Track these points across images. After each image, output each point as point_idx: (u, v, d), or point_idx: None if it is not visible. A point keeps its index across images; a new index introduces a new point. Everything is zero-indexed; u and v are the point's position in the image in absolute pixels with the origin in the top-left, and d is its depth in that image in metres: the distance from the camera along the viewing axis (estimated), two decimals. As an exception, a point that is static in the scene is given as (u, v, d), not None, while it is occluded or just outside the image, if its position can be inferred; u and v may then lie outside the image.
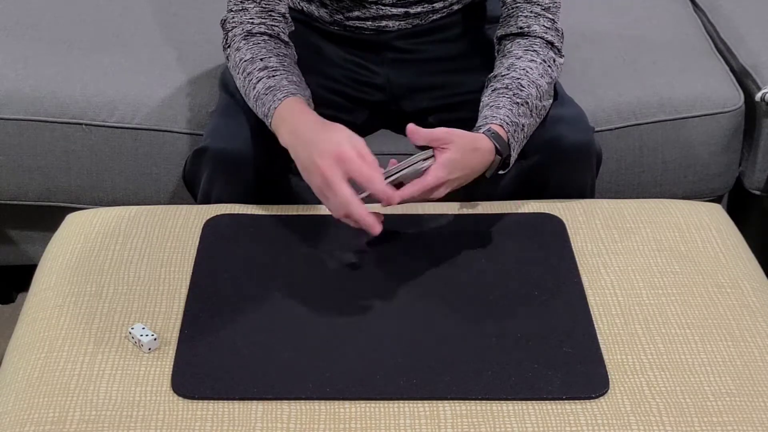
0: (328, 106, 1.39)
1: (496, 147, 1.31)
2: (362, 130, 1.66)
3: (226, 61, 1.48)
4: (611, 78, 1.78)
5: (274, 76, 1.38)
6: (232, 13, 1.46)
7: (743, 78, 1.82)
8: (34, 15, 1.93)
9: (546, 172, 1.38)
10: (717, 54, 1.89)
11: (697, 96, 1.75)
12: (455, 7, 1.58)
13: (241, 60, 1.41)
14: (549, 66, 1.44)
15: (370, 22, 1.55)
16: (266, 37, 1.44)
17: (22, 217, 1.85)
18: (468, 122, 1.55)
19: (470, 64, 1.59)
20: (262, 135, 1.40)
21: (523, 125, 1.36)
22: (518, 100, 1.37)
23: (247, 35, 1.43)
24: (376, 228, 1.22)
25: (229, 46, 1.45)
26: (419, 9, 1.54)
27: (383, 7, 1.53)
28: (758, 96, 1.77)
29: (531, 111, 1.38)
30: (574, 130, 1.43)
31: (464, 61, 1.60)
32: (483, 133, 1.32)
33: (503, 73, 1.41)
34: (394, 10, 1.53)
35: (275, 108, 1.34)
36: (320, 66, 1.53)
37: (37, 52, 1.82)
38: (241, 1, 1.45)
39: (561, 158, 1.37)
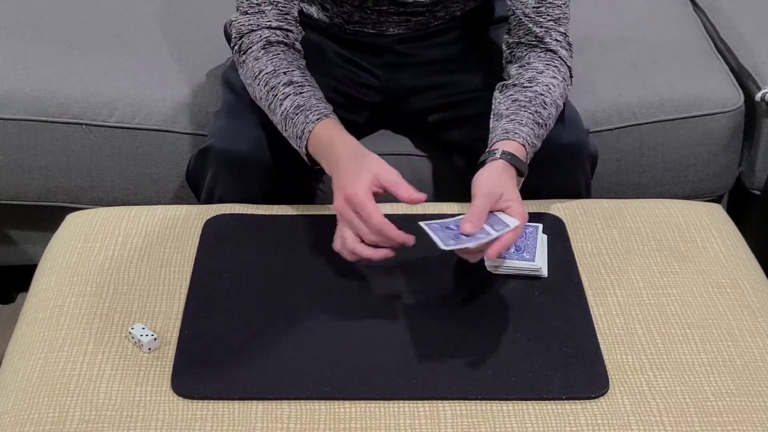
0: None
1: (513, 164, 1.30)
2: (363, 129, 1.66)
3: (239, 66, 1.44)
4: (611, 78, 1.78)
5: (301, 93, 1.36)
6: (248, 16, 1.42)
7: (743, 78, 1.82)
8: (34, 15, 1.93)
9: (539, 172, 1.38)
10: (717, 54, 1.89)
11: (697, 96, 1.75)
12: (457, 13, 1.57)
13: (261, 72, 1.39)
14: (568, 85, 1.44)
15: (370, 27, 1.55)
16: (284, 47, 1.42)
17: (22, 217, 1.85)
18: (466, 120, 1.56)
19: (469, 64, 1.59)
20: (267, 135, 1.40)
21: (536, 146, 1.36)
22: (540, 121, 1.36)
23: (266, 45, 1.40)
24: (408, 238, 1.21)
25: (244, 53, 1.42)
26: (421, 18, 1.54)
27: (384, 15, 1.52)
28: (758, 96, 1.77)
29: (546, 133, 1.38)
30: (568, 131, 1.43)
31: (464, 61, 1.59)
32: (500, 158, 1.29)
33: (525, 85, 1.39)
34: (395, 18, 1.53)
35: (310, 131, 1.32)
36: (321, 65, 1.53)
37: (37, 52, 1.82)
38: (257, 4, 1.42)
39: (554, 158, 1.37)
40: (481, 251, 1.20)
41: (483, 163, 1.30)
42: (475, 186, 1.26)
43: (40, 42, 1.85)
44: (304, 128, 1.32)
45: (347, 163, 1.26)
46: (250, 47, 1.41)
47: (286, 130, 1.36)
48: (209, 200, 1.47)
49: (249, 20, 1.42)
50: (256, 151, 1.41)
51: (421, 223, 1.23)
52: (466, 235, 1.19)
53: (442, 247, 1.17)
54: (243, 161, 1.42)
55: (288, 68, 1.38)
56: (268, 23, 1.42)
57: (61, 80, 1.75)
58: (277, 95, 1.36)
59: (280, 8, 1.43)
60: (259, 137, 1.41)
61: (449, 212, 1.40)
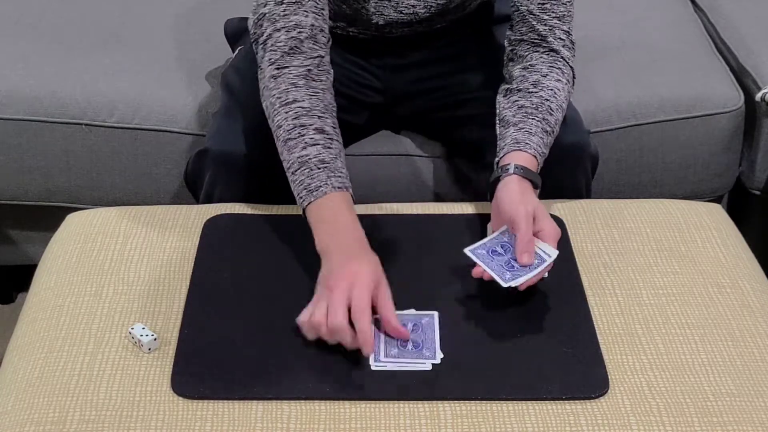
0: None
1: (527, 178, 1.30)
2: (363, 130, 1.66)
3: (269, 77, 1.32)
4: (611, 78, 1.78)
5: (329, 148, 1.27)
6: (284, 5, 1.32)
7: (743, 78, 1.82)
8: (34, 15, 1.93)
9: (541, 172, 1.38)
10: (717, 54, 1.89)
11: (697, 96, 1.75)
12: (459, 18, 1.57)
13: (295, 101, 1.29)
14: (572, 87, 1.43)
15: (374, 30, 1.54)
16: (324, 83, 1.32)
17: (22, 217, 1.85)
18: (467, 120, 1.56)
19: (471, 63, 1.59)
20: (264, 136, 1.39)
21: (545, 155, 1.35)
22: (548, 129, 1.35)
23: (307, 74, 1.31)
24: (369, 347, 1.14)
25: (280, 68, 1.31)
26: (424, 26, 1.53)
27: (387, 25, 1.51)
28: (758, 96, 1.77)
29: (552, 140, 1.37)
30: (569, 132, 1.43)
31: (465, 60, 1.59)
32: (515, 173, 1.29)
33: (530, 89, 1.38)
34: (398, 24, 1.52)
35: (325, 193, 1.23)
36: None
37: (37, 52, 1.82)
38: None
39: (555, 159, 1.37)
40: None
41: (497, 179, 1.30)
42: (505, 210, 1.26)
43: (40, 42, 1.85)
44: (320, 186, 1.24)
45: (355, 250, 1.20)
46: (289, 65, 1.31)
47: (295, 174, 1.27)
48: (208, 202, 1.46)
49: (285, 10, 1.32)
50: (253, 152, 1.41)
51: (467, 251, 1.24)
52: (521, 264, 1.21)
53: (504, 285, 1.19)
54: (241, 163, 1.41)
55: (323, 113, 1.29)
56: (305, 14, 1.32)
57: (61, 80, 1.75)
58: (303, 136, 1.27)
59: (317, 0, 1.34)
60: (257, 139, 1.41)
61: (449, 212, 1.40)
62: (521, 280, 1.19)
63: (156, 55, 1.83)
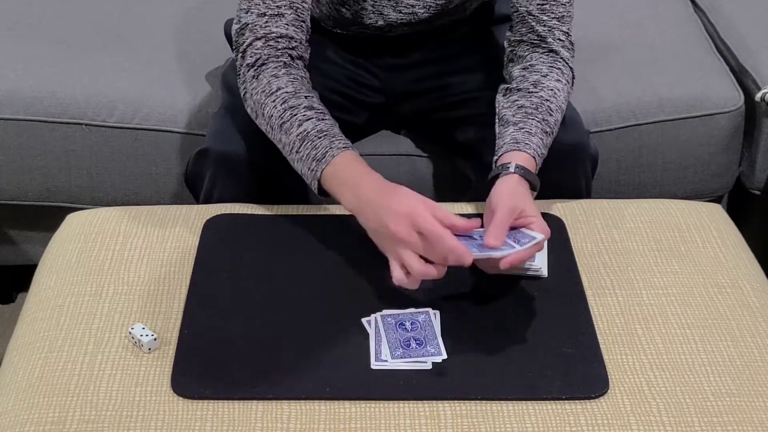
0: (328, 106, 1.39)
1: (526, 179, 1.29)
2: (363, 130, 1.66)
3: (249, 80, 1.35)
4: (611, 78, 1.78)
5: (323, 119, 1.29)
6: (265, 17, 1.36)
7: (743, 78, 1.82)
8: (34, 15, 1.93)
9: (540, 173, 1.38)
10: (717, 54, 1.89)
11: (697, 96, 1.75)
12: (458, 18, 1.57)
13: (279, 89, 1.32)
14: (571, 87, 1.43)
15: (374, 29, 1.54)
16: (303, 71, 1.36)
17: (22, 217, 1.85)
18: (467, 120, 1.56)
19: (471, 64, 1.59)
20: (264, 136, 1.40)
21: (544, 156, 1.35)
22: (547, 129, 1.35)
23: (287, 64, 1.35)
24: (467, 257, 1.12)
25: (259, 68, 1.34)
26: (424, 25, 1.53)
27: (387, 25, 1.51)
28: (758, 96, 1.77)
29: (552, 141, 1.37)
30: (569, 132, 1.43)
31: (465, 60, 1.59)
32: (515, 172, 1.28)
33: (530, 89, 1.38)
34: (398, 25, 1.52)
35: (333, 155, 1.25)
36: (321, 64, 1.53)
37: (37, 52, 1.82)
38: (277, 6, 1.36)
39: (555, 159, 1.37)
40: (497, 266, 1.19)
41: (495, 177, 1.30)
42: (494, 200, 1.25)
43: (40, 42, 1.85)
44: (327, 151, 1.25)
45: (387, 191, 1.19)
46: (266, 63, 1.34)
47: (299, 151, 1.28)
48: (208, 201, 1.46)
49: (266, 22, 1.35)
50: (253, 152, 1.41)
51: None
52: (486, 246, 1.18)
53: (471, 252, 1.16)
54: (240, 163, 1.41)
55: (308, 94, 1.32)
56: (285, 27, 1.36)
57: (61, 80, 1.75)
58: (296, 115, 1.29)
59: (298, 14, 1.37)
60: (257, 139, 1.40)
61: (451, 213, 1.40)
62: (485, 255, 1.16)
63: (156, 55, 1.83)
